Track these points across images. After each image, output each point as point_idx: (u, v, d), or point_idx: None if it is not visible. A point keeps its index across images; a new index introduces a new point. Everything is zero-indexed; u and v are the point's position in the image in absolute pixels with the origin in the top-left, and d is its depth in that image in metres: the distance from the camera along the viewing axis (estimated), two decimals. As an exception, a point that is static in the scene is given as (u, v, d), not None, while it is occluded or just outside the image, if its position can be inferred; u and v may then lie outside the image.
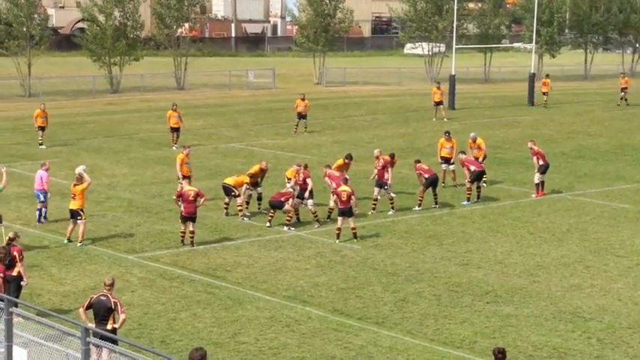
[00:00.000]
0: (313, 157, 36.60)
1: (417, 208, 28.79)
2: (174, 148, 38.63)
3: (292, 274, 22.36)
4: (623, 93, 57.89)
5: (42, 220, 26.50)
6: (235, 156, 38.08)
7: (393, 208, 28.31)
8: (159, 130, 42.20)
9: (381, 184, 28.17)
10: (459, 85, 57.41)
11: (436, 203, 29.10)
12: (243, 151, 39.11)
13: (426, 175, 28.73)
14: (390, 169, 28.29)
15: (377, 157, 28.51)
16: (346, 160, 28.93)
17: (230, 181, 27.67)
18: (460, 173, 31.70)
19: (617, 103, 57.17)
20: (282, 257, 23.77)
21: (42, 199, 26.48)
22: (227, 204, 27.76)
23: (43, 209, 26.65)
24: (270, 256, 23.82)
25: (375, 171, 28.65)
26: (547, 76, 58.40)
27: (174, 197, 25.24)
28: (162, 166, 35.17)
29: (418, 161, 29.43)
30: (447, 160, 31.86)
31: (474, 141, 32.31)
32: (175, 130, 39.51)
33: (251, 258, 23.66)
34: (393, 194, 28.57)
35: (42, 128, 39.31)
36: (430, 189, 28.85)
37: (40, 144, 39.01)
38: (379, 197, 28.48)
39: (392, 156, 29.09)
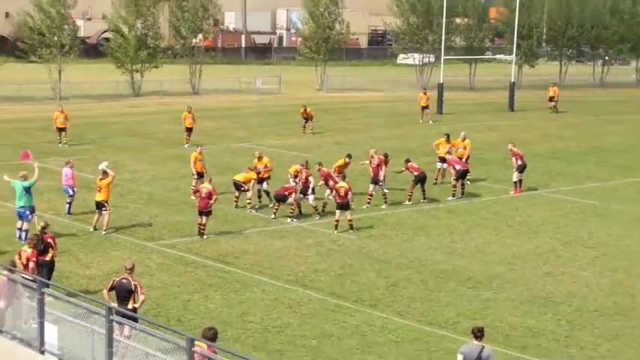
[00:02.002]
0: (314, 157, 36.48)
1: (407, 202, 28.86)
2: (186, 146, 38.65)
3: (294, 261, 22.43)
4: (552, 102, 56.69)
5: (70, 212, 26.48)
6: (244, 155, 38.02)
7: (386, 202, 28.36)
8: (176, 131, 42.22)
9: (375, 180, 28.23)
10: (446, 92, 57.35)
11: (424, 198, 29.16)
12: (252, 150, 38.98)
13: (415, 173, 28.79)
14: (383, 168, 28.34)
15: (372, 157, 28.54)
16: (347, 160, 29.00)
17: (239, 177, 27.75)
18: (447, 172, 31.76)
19: (550, 112, 56.62)
20: (285, 246, 23.84)
21: (71, 193, 26.52)
22: (237, 197, 27.84)
23: (71, 203, 26.64)
24: (274, 245, 23.89)
25: (366, 162, 28.64)
26: (554, 84, 58.18)
27: (192, 190, 25.39)
28: (178, 163, 35.20)
29: (408, 160, 29.49)
30: (443, 160, 31.84)
31: (463, 140, 32.32)
32: (189, 130, 39.56)
33: (257, 246, 23.73)
34: (386, 190, 28.64)
35: (62, 129, 39.13)
36: (419, 185, 28.92)
37: (60, 143, 38.90)
38: (374, 193, 28.54)
39: (385, 156, 29.15)
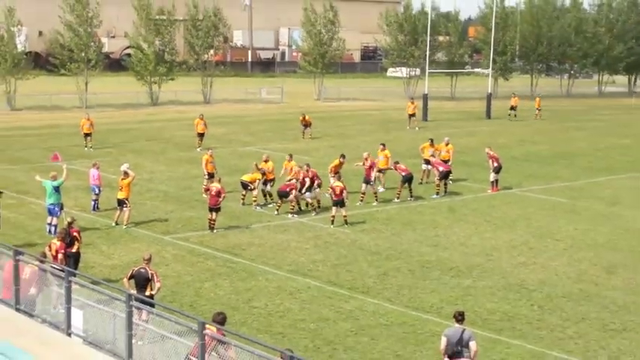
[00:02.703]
0: (312, 159, 36.46)
1: (396, 200, 28.73)
2: (198, 150, 38.57)
3: (295, 253, 22.32)
4: (512, 110, 56.31)
5: (95, 209, 26.39)
6: (250, 157, 37.79)
7: (377, 200, 28.22)
8: (189, 136, 42.11)
9: (367, 180, 28.03)
10: (430, 101, 57.32)
11: (411, 196, 29.02)
12: (257, 154, 38.96)
13: (403, 174, 28.66)
14: (375, 169, 28.18)
15: (365, 159, 28.38)
16: (341, 160, 28.84)
17: (246, 177, 27.65)
18: (431, 173, 31.68)
19: (508, 119, 56.38)
20: (286, 239, 23.73)
21: (97, 191, 26.40)
22: (244, 196, 27.71)
23: (97, 201, 26.52)
24: (277, 238, 23.78)
25: (360, 163, 28.49)
26: (514, 94, 58.24)
27: (204, 189, 25.23)
28: (191, 165, 35.08)
29: (397, 162, 29.36)
30: (427, 162, 31.70)
31: (447, 144, 32.21)
32: (201, 135, 39.48)
33: (262, 239, 23.62)
34: (382, 189, 28.50)
35: (87, 135, 39.02)
36: (406, 185, 28.79)
37: (86, 147, 38.76)
38: (365, 192, 28.41)
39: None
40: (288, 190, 26.23)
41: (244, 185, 27.52)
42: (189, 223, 25.18)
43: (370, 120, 55.23)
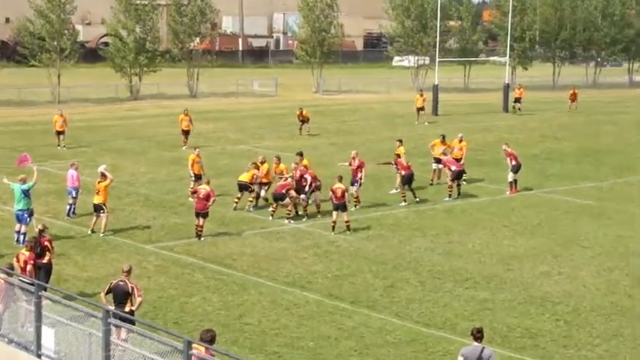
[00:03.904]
0: (311, 158, 36.27)
1: (402, 204, 28.60)
2: (183, 149, 38.54)
3: (292, 263, 22.23)
4: (517, 103, 56.25)
5: (71, 214, 26.28)
6: (241, 156, 37.87)
7: (356, 205, 27.86)
8: (174, 133, 42.02)
9: (353, 181, 27.82)
10: (441, 93, 57.30)
11: (416, 197, 28.84)
12: (248, 152, 38.92)
13: (403, 172, 28.57)
14: (363, 169, 28.08)
15: (353, 158, 28.26)
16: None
17: (245, 177, 27.63)
18: (443, 173, 31.62)
19: (512, 112, 56.38)
20: (282, 247, 23.64)
21: (74, 194, 26.32)
22: (238, 199, 27.59)
23: (73, 205, 26.43)
24: (272, 246, 23.69)
25: (345, 164, 28.37)
26: (520, 85, 58.23)
27: (190, 192, 25.12)
28: (175, 165, 34.99)
29: (399, 156, 29.24)
30: (438, 161, 31.64)
31: (459, 141, 32.14)
32: (186, 132, 39.44)
33: (255, 248, 23.52)
34: (393, 190, 28.48)
35: (60, 133, 38.89)
36: (407, 185, 28.69)
37: (59, 146, 38.66)
38: (358, 195, 28.24)
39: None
40: (283, 191, 26.14)
41: (243, 187, 27.53)
42: (174, 231, 25.08)
43: (374, 114, 55.17)
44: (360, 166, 27.99)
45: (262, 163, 27.93)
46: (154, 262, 21.97)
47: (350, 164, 28.26)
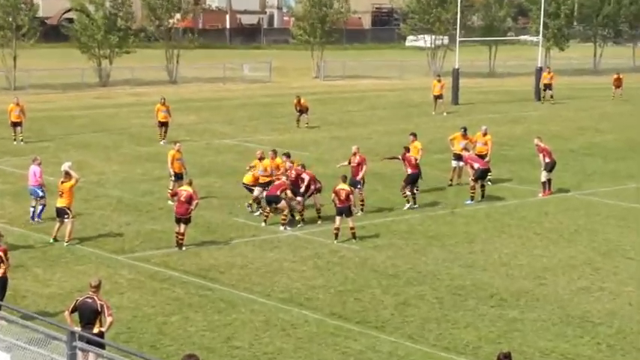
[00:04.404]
0: (311, 154, 36.48)
1: (407, 206, 28.66)
2: (162, 143, 38.65)
3: (288, 276, 22.25)
4: (546, 90, 56.03)
5: (37, 218, 26.24)
6: (229, 152, 37.95)
7: (362, 209, 28.04)
8: (150, 125, 42.06)
9: (354, 182, 27.70)
10: (462, 79, 57.31)
11: (414, 202, 28.87)
12: (237, 148, 38.99)
13: (409, 171, 28.58)
14: (364, 166, 28.08)
15: (354, 154, 28.25)
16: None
17: (248, 179, 27.74)
18: (464, 171, 31.64)
19: (544, 101, 56.38)
20: (277, 258, 23.66)
21: (40, 194, 26.33)
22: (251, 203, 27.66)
23: (39, 206, 26.42)
24: (265, 257, 23.71)
25: (346, 163, 28.37)
26: (548, 69, 58.12)
27: (170, 194, 25.11)
28: (153, 162, 35.03)
29: (407, 150, 29.21)
30: (459, 157, 31.68)
31: (484, 135, 32.15)
32: (163, 124, 39.49)
33: (245, 259, 23.54)
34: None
35: (17, 124, 38.69)
36: (410, 186, 28.73)
37: (15, 140, 38.61)
38: (364, 198, 28.26)
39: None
40: (278, 193, 26.18)
41: (250, 190, 27.73)
42: (151, 239, 25.12)
43: (384, 103, 55.22)
44: (360, 163, 28.02)
45: (261, 159, 27.87)
46: (128, 276, 21.99)
47: (349, 162, 28.28)
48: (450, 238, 25.82)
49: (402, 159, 28.95)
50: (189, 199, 24.03)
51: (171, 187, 28.46)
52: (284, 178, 26.65)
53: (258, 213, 27.46)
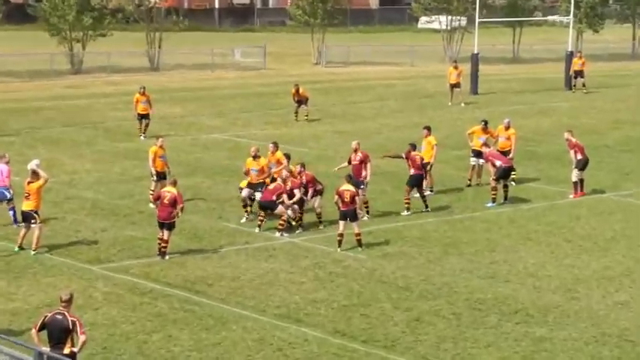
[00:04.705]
0: (311, 151, 36.47)
1: (405, 213, 28.57)
2: (142, 138, 38.76)
3: (285, 289, 22.24)
4: (577, 78, 55.88)
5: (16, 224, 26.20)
6: (219, 149, 37.93)
7: (367, 212, 28.07)
8: (128, 119, 42.05)
9: (357, 182, 27.56)
10: (482, 65, 57.29)
11: (426, 207, 28.83)
12: (228, 143, 38.97)
13: (412, 171, 28.45)
14: (369, 165, 28.02)
15: (355, 150, 28.17)
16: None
17: (245, 185, 27.68)
18: (484, 170, 31.62)
19: (575, 90, 56.29)
20: (273, 268, 23.65)
21: (8, 196, 26.30)
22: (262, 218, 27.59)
23: (9, 210, 26.38)
24: (259, 267, 23.70)
25: (346, 164, 28.30)
26: (579, 53, 57.96)
27: (152, 197, 24.98)
28: (132, 160, 35.02)
29: (414, 147, 29.06)
30: (478, 154, 31.64)
31: (506, 128, 32.08)
32: (143, 117, 39.52)
33: (237, 269, 23.54)
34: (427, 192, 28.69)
35: None
36: (415, 188, 28.74)
37: None
38: (367, 199, 28.22)
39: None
40: (274, 198, 26.15)
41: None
42: (130, 247, 25.11)
43: (394, 93, 55.20)
44: (363, 161, 27.99)
45: (255, 157, 27.71)
46: (103, 289, 21.97)
47: (349, 161, 28.22)
48: (469, 245, 25.81)
49: (406, 157, 28.79)
50: (174, 202, 23.99)
51: (152, 189, 28.44)
52: (279, 180, 26.53)
53: (244, 219, 27.42)
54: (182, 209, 24.32)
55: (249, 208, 27.62)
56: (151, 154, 29.12)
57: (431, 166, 30.23)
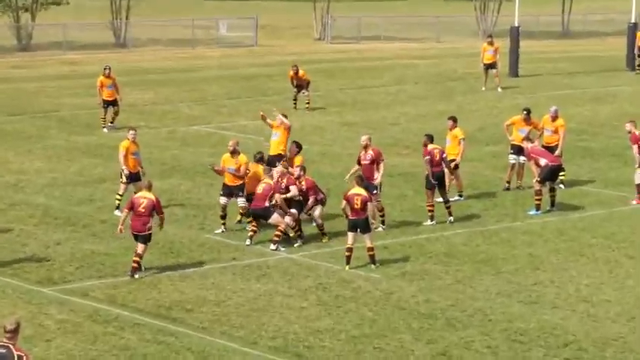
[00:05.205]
0: (313, 147, 36.41)
1: (428, 223, 28.70)
2: (105, 130, 38.97)
3: (282, 316, 22.23)
4: None
5: None
6: (200, 144, 37.92)
7: (383, 222, 28.18)
8: (89, 106, 42.10)
9: (368, 186, 27.50)
10: (524, 41, 57.32)
11: (450, 215, 28.91)
12: (212, 137, 38.95)
13: (430, 169, 28.30)
14: (381, 165, 27.99)
15: (365, 147, 28.17)
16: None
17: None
18: (526, 170, 31.62)
19: (636, 72, 56.27)
20: (267, 290, 23.64)
21: None
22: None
23: None
24: (249, 289, 23.69)
25: (357, 167, 28.31)
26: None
27: (126, 209, 24.79)
28: (93, 158, 35.07)
29: (431, 138, 28.96)
30: (519, 150, 31.66)
31: (553, 119, 32.08)
32: (110, 104, 39.62)
33: (222, 291, 23.53)
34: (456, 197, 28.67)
35: None
36: (438, 190, 28.79)
37: None
38: (381, 207, 28.27)
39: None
40: (267, 204, 26.16)
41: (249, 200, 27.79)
42: (90, 264, 25.11)
43: (415, 75, 55.20)
44: (375, 160, 27.98)
45: (234, 152, 27.72)
46: (57, 316, 21.92)
47: (359, 161, 28.25)
48: (507, 262, 25.80)
49: (425, 153, 28.63)
50: (151, 208, 24.00)
51: (120, 193, 28.40)
52: (279, 169, 26.61)
53: (219, 230, 27.54)
54: (163, 220, 24.34)
55: (227, 221, 27.76)
56: (121, 149, 29.08)
57: (457, 165, 30.21)
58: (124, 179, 28.71)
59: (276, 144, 29.48)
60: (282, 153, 28.90)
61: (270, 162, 28.16)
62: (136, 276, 24.06)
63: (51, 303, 22.63)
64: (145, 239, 24.11)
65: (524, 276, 24.91)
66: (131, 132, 29.55)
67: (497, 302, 23.19)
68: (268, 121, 30.36)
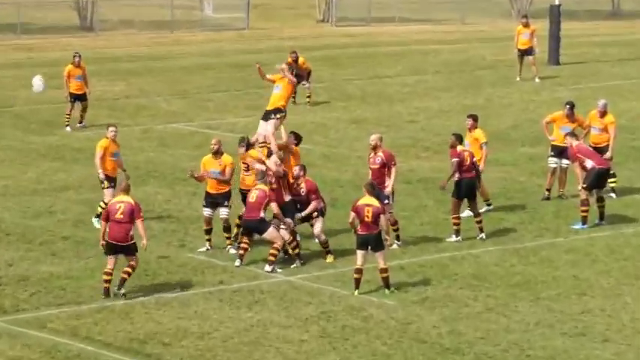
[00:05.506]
0: (315, 147, 36.40)
1: (452, 238, 28.71)
2: (68, 129, 39.17)
3: (278, 350, 22.18)
4: None
5: None
6: (181, 145, 37.91)
7: (398, 238, 28.23)
8: (50, 100, 42.10)
9: (379, 194, 27.44)
10: (566, 23, 57.50)
11: (481, 231, 28.83)
12: (195, 137, 38.93)
13: (457, 176, 28.32)
14: (393, 170, 27.91)
15: (374, 148, 28.16)
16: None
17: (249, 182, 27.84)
18: (569, 174, 31.59)
19: None
20: (260, 320, 23.61)
21: None
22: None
23: None
24: (239, 319, 23.66)
25: (369, 171, 28.43)
26: None
27: (103, 220, 24.78)
28: (53, 162, 35.16)
29: (460, 138, 28.99)
30: (561, 152, 31.55)
31: (601, 115, 31.97)
32: (78, 98, 39.68)
33: (206, 322, 23.48)
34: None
35: None
36: (467, 201, 28.81)
37: None
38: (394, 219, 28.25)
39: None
40: (262, 215, 26.16)
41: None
42: (49, 289, 25.08)
43: (436, 63, 55.35)
44: (386, 164, 27.89)
45: (217, 153, 27.72)
46: (9, 352, 21.88)
47: (370, 164, 28.22)
48: (548, 287, 25.76)
49: (453, 154, 28.61)
50: (131, 214, 24.03)
51: (106, 201, 28.24)
52: (274, 159, 26.61)
53: (204, 249, 27.59)
54: (144, 228, 24.46)
55: (212, 237, 27.82)
56: (99, 150, 29.28)
57: (479, 174, 29.94)
58: (105, 184, 28.72)
59: (277, 97, 29.24)
60: (281, 108, 28.90)
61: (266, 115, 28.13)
62: (122, 290, 24.10)
63: (0, 336, 22.57)
64: (128, 251, 24.16)
65: (569, 303, 24.86)
66: (111, 129, 29.71)
67: (536, 334, 23.13)
68: (268, 76, 30.18)
